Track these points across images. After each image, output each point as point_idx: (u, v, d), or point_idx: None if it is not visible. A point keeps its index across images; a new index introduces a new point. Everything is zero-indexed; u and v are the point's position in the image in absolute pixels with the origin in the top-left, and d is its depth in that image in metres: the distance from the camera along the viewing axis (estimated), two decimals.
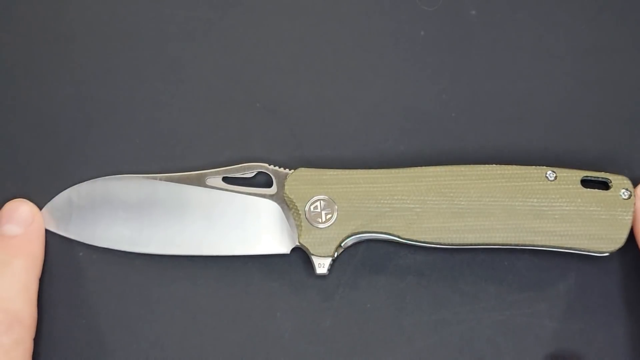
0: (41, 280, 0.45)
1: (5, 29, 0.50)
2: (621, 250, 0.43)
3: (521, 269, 0.45)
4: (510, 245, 0.43)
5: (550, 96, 0.48)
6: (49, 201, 0.46)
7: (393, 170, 0.44)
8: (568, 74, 0.48)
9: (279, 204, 0.45)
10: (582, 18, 0.49)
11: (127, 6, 0.51)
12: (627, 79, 0.48)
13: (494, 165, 0.44)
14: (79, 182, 0.46)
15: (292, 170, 0.45)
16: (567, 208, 0.43)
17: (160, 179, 0.46)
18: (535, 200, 0.43)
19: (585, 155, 0.47)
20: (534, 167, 0.44)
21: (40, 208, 0.46)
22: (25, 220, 0.44)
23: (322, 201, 0.44)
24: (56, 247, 0.46)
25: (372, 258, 0.46)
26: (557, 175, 0.43)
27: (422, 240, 0.43)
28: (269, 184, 0.46)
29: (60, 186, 0.46)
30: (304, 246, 0.44)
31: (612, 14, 0.49)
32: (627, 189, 0.43)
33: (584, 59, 0.49)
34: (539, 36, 0.49)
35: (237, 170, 0.46)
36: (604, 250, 0.43)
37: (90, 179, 0.47)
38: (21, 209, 0.44)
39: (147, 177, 0.46)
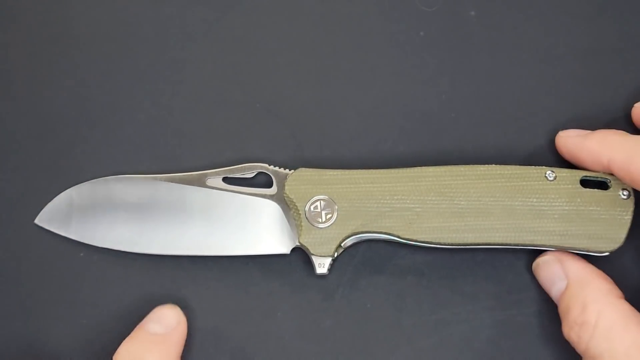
0: (42, 280, 0.45)
1: (6, 30, 0.50)
2: (620, 250, 0.43)
3: (521, 268, 0.45)
4: (510, 245, 0.43)
5: (550, 96, 0.48)
6: (49, 201, 0.46)
7: (393, 170, 0.44)
8: (568, 74, 0.48)
9: (279, 204, 0.45)
10: (582, 18, 0.49)
11: (127, 7, 0.51)
12: (627, 79, 0.48)
13: (494, 165, 0.44)
14: (80, 182, 0.47)
15: (292, 171, 0.45)
16: (567, 208, 0.43)
17: (161, 180, 0.46)
18: (534, 200, 0.43)
19: None
20: (533, 167, 0.44)
21: (41, 208, 0.46)
22: (169, 323, 0.43)
23: (322, 201, 0.44)
24: (57, 247, 0.46)
25: (372, 258, 0.46)
26: (557, 175, 0.43)
27: (422, 240, 0.43)
28: (269, 184, 0.46)
29: (61, 186, 0.46)
30: (304, 246, 0.44)
31: (612, 14, 0.49)
32: (626, 189, 0.43)
33: (584, 59, 0.49)
34: (539, 36, 0.49)
35: (238, 171, 0.46)
36: (604, 249, 0.43)
37: (91, 179, 0.47)
38: (168, 312, 0.44)
39: (148, 178, 0.46)
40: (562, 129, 0.46)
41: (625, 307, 0.40)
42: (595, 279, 0.42)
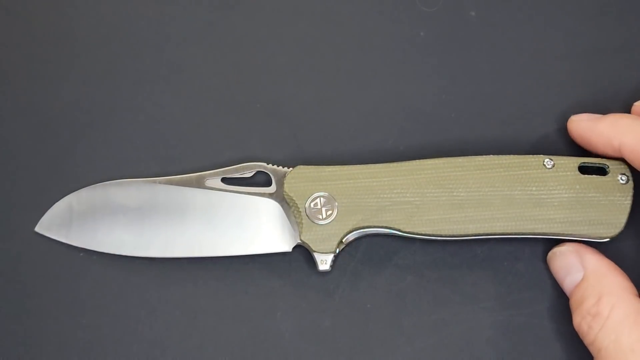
0: (42, 280, 0.45)
1: (5, 31, 0.51)
2: (619, 248, 0.43)
3: (521, 269, 0.45)
4: (511, 234, 0.43)
5: (550, 96, 0.48)
6: (49, 202, 0.46)
7: (392, 164, 0.44)
8: (568, 74, 0.48)
9: (278, 202, 0.45)
10: (582, 18, 0.49)
11: (127, 8, 0.51)
12: (627, 79, 0.48)
13: (492, 155, 0.44)
14: (80, 183, 0.47)
15: (291, 168, 0.45)
16: (566, 195, 0.43)
17: (160, 182, 0.46)
18: (534, 188, 0.43)
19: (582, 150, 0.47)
20: (531, 155, 0.44)
21: (42, 208, 0.46)
22: None
23: (322, 198, 0.44)
24: (57, 247, 0.46)
25: (372, 258, 0.46)
26: (555, 162, 0.43)
27: (423, 232, 0.43)
28: (268, 183, 0.46)
29: (60, 190, 0.47)
30: (306, 243, 0.44)
31: (612, 14, 0.49)
32: (624, 174, 0.43)
33: (584, 59, 0.49)
34: (539, 36, 0.49)
35: (236, 171, 0.46)
36: (604, 235, 0.43)
37: (91, 180, 0.47)
38: None
39: (147, 181, 0.46)
40: (562, 129, 0.46)
41: (638, 305, 0.40)
42: (612, 273, 0.42)
